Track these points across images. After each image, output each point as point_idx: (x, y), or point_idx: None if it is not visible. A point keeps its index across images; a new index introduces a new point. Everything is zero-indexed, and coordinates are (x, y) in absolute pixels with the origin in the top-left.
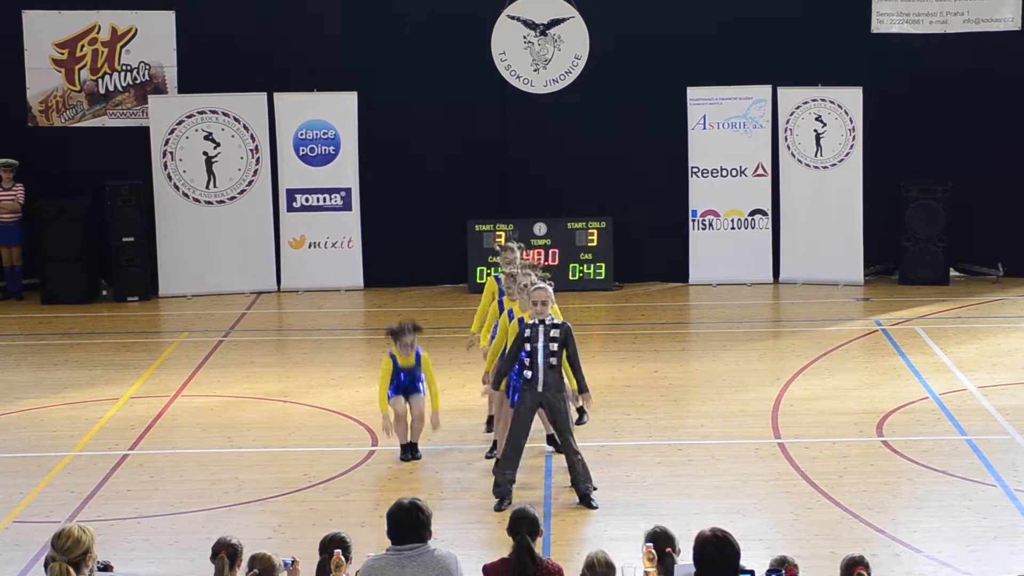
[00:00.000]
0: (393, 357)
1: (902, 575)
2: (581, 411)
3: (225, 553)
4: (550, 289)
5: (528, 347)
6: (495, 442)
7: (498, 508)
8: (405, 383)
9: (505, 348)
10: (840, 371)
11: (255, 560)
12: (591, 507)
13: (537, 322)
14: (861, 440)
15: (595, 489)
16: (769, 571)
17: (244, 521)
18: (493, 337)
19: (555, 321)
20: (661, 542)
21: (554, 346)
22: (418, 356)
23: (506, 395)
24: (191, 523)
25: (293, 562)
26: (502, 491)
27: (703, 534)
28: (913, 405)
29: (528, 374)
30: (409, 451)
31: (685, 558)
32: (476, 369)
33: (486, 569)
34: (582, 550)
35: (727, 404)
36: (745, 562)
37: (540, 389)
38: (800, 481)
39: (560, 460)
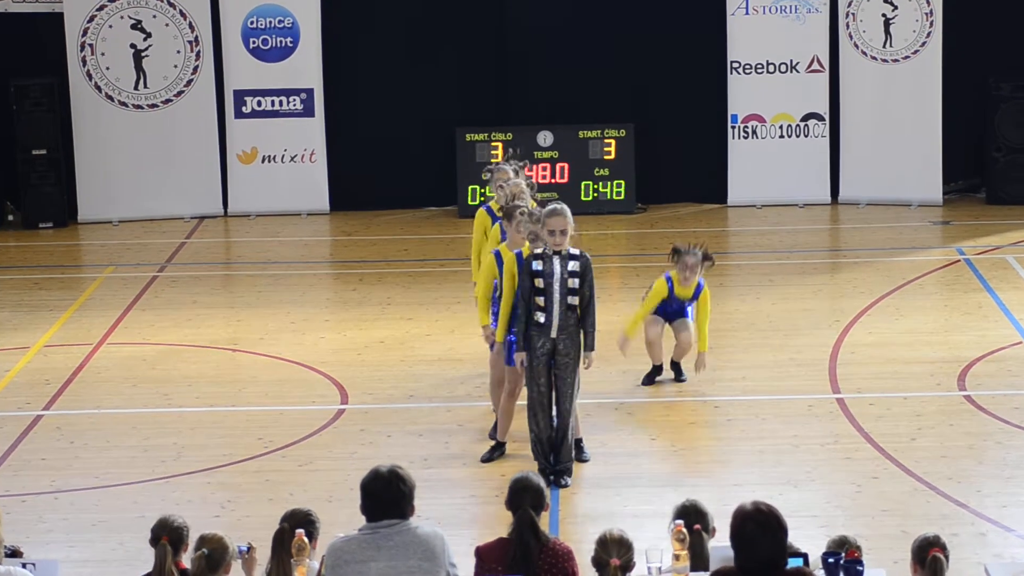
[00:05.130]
0: (670, 280)
1: (988, 558)
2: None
3: (167, 539)
4: (569, 213)
5: (541, 283)
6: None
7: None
8: (672, 312)
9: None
10: (913, 311)
11: (204, 541)
12: (561, 485)
13: (551, 252)
14: (939, 395)
15: (567, 474)
16: (826, 554)
17: (186, 496)
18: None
19: (573, 251)
20: (692, 519)
21: (574, 282)
22: (699, 289)
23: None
24: (120, 498)
25: (249, 549)
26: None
27: (743, 509)
28: (1003, 352)
29: (541, 317)
30: (673, 370)
31: (721, 538)
32: (470, 311)
33: (480, 551)
34: (596, 528)
35: (775, 352)
36: (797, 543)
37: (554, 335)
38: (864, 445)
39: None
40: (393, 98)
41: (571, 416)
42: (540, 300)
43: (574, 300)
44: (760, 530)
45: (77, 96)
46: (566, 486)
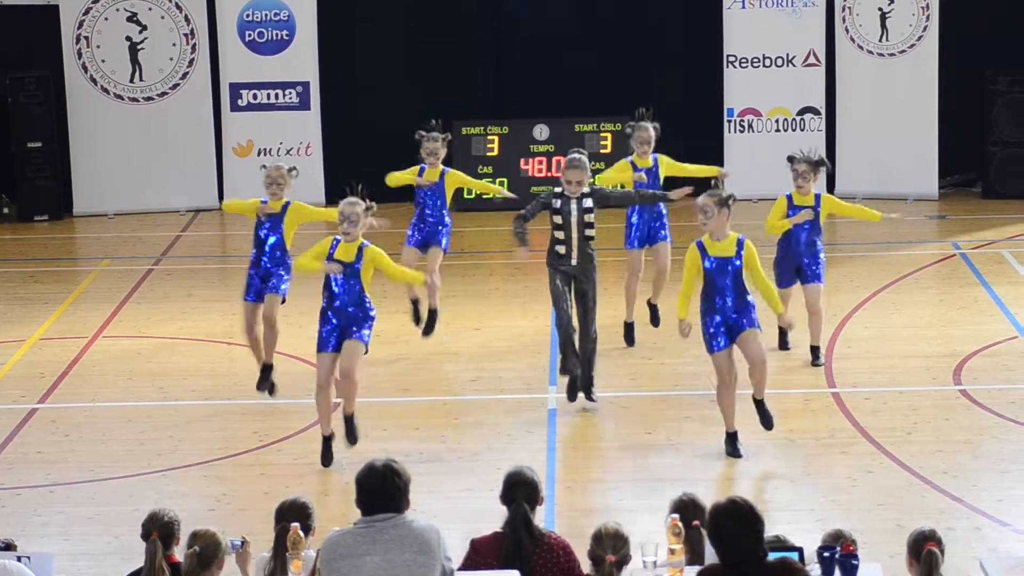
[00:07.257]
0: (701, 245)
1: (984, 552)
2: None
3: (158, 534)
4: (586, 163)
5: (560, 220)
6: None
7: (569, 397)
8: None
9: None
10: (909, 305)
11: (196, 537)
12: (591, 399)
13: (568, 195)
14: (935, 389)
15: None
16: (821, 548)
17: (181, 489)
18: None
19: (584, 191)
20: (690, 513)
21: (590, 217)
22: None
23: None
24: (115, 492)
25: (243, 543)
26: (570, 378)
27: (717, 504)
28: (999, 346)
29: (562, 249)
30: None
31: None
32: (465, 304)
33: (475, 544)
34: (593, 522)
35: (770, 346)
36: (792, 537)
37: (574, 263)
38: (860, 439)
39: (566, 407)
40: (389, 91)
41: (595, 335)
42: (560, 234)
43: (591, 232)
44: (735, 522)
45: (72, 89)
46: (595, 400)
